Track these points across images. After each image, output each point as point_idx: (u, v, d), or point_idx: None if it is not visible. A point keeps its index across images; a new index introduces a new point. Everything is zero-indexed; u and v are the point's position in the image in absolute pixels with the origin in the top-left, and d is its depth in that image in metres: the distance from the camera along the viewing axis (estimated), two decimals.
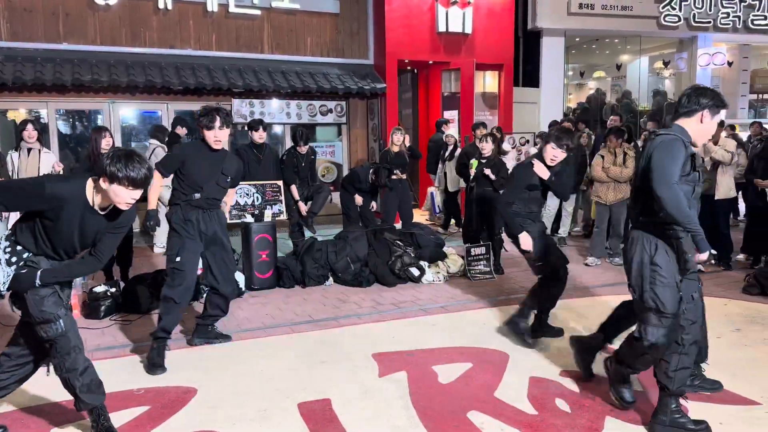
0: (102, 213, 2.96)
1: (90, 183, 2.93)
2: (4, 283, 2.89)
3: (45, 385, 3.86)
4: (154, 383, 3.88)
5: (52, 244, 2.97)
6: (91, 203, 2.92)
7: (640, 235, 3.18)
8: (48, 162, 6.41)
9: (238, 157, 6.95)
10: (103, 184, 2.84)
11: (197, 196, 4.24)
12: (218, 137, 4.22)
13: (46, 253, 3.00)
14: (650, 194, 2.98)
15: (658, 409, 3.24)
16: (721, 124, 6.99)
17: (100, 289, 5.40)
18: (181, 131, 8.33)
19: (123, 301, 5.42)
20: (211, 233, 4.31)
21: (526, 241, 4.41)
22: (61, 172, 6.50)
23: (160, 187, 4.40)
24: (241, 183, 6.42)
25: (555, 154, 4.32)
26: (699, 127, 3.12)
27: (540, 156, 4.44)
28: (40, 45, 9.17)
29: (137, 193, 2.89)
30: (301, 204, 7.12)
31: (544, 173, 4.35)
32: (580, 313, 5.31)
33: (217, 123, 4.18)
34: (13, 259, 2.92)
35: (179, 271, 4.17)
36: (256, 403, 3.59)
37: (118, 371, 4.08)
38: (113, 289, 5.45)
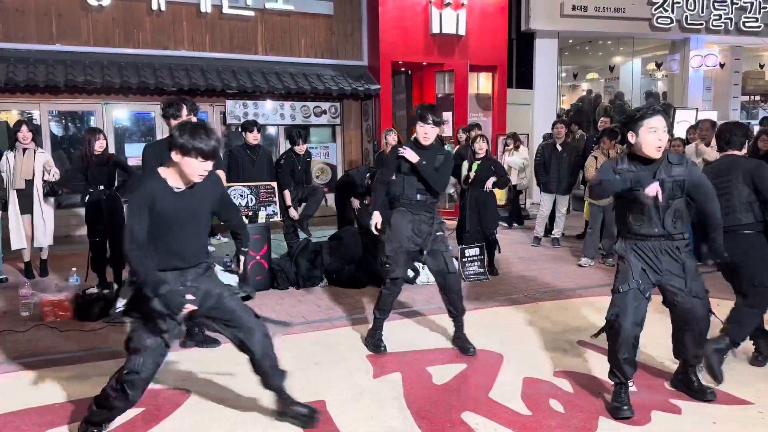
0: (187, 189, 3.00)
1: (162, 170, 2.99)
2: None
3: (37, 387, 3.85)
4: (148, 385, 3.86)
5: (175, 248, 2.99)
6: (174, 187, 2.96)
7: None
8: (41, 161, 6.41)
9: (231, 157, 6.99)
10: (175, 157, 2.89)
11: None
12: None
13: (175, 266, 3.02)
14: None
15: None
16: (713, 125, 7.07)
17: (93, 291, 5.38)
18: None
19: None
20: None
21: (374, 220, 4.49)
22: (54, 174, 6.49)
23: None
24: (234, 184, 6.43)
25: (425, 131, 4.30)
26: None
27: (415, 141, 4.42)
28: (33, 46, 9.13)
29: (209, 165, 2.94)
30: (291, 210, 7.13)
31: (412, 157, 4.31)
32: (573, 312, 5.33)
33: (184, 112, 4.03)
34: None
35: None
36: (250, 405, 3.58)
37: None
38: (106, 291, 5.43)
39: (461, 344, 4.45)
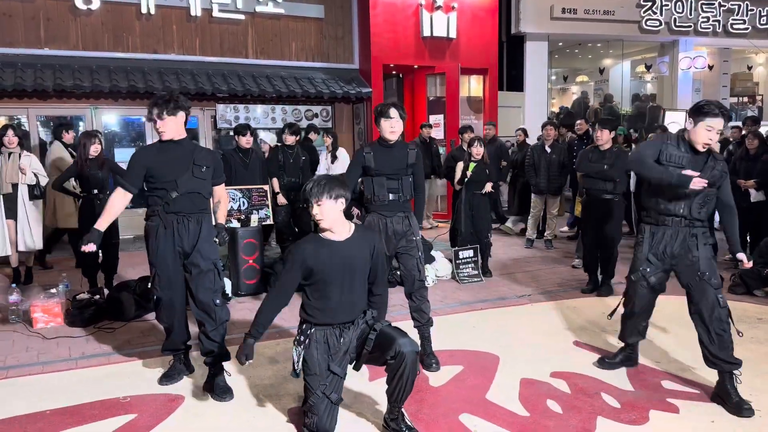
0: None
1: None
2: None
3: (26, 394, 3.79)
4: (140, 391, 3.81)
5: None
6: None
7: None
8: (26, 163, 6.34)
9: (223, 160, 6.94)
10: None
11: (175, 194, 3.69)
12: (161, 127, 3.73)
13: None
14: None
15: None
16: None
17: (84, 296, 5.32)
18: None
19: (107, 308, 5.33)
20: (189, 247, 3.74)
21: None
22: (42, 177, 6.42)
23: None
24: (227, 188, 6.38)
25: (390, 124, 4.11)
26: None
27: (380, 141, 4.28)
28: (21, 50, 9.02)
29: None
30: (280, 197, 7.15)
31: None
32: (568, 313, 5.32)
33: (155, 111, 3.73)
34: None
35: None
36: (244, 410, 3.54)
37: (103, 379, 4.01)
38: (97, 297, 5.37)
39: (424, 359, 4.12)
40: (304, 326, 3.16)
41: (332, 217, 3.06)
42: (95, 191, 5.88)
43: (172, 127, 3.76)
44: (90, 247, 3.65)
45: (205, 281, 3.72)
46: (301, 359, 3.10)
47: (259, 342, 4.64)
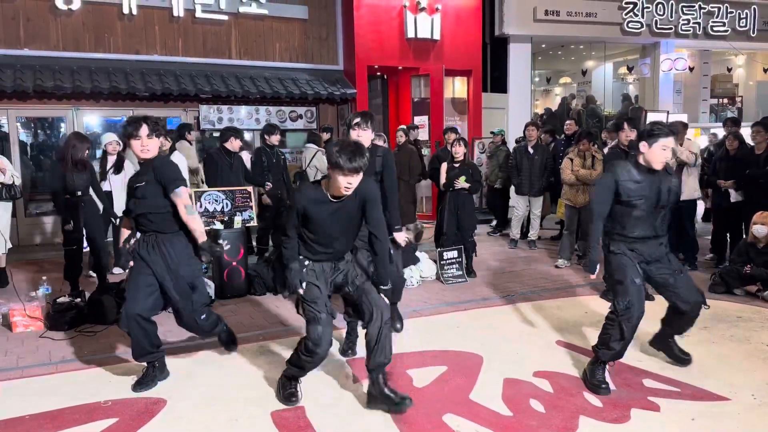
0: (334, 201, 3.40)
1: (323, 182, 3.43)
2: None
3: (7, 399, 3.73)
4: (122, 395, 3.77)
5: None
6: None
7: None
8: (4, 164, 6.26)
9: (210, 159, 6.93)
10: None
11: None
12: (145, 145, 3.70)
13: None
14: None
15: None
16: (684, 126, 7.18)
17: (65, 300, 5.25)
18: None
19: (88, 312, 5.26)
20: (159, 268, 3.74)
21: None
22: (15, 177, 6.34)
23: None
24: (210, 189, 6.35)
25: (357, 134, 4.22)
26: None
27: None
28: (0, 51, 8.92)
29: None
30: (265, 197, 7.17)
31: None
32: (551, 313, 5.35)
33: (144, 131, 3.66)
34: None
35: None
36: (227, 413, 3.52)
37: (84, 383, 3.97)
38: (78, 300, 5.30)
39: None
40: (306, 262, 3.56)
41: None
42: (79, 193, 5.84)
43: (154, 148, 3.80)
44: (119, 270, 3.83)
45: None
46: (302, 290, 3.52)
47: (242, 344, 4.65)
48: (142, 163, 3.80)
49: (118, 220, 5.74)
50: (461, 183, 6.66)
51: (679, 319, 4.04)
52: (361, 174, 3.31)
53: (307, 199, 3.42)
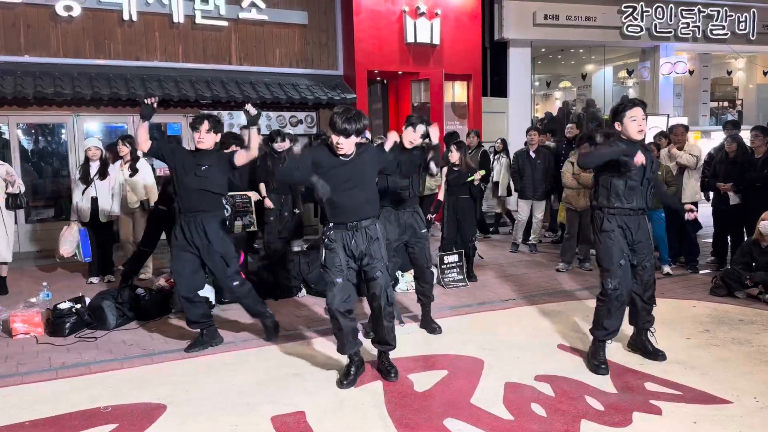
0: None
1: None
2: None
3: (6, 406, 3.73)
4: (122, 400, 3.76)
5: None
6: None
7: None
8: (2, 173, 6.26)
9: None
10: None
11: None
12: (202, 138, 4.56)
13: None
14: None
15: None
16: (686, 129, 7.18)
17: (65, 305, 5.24)
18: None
19: (89, 317, 5.25)
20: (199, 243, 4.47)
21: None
22: (19, 186, 6.33)
23: None
24: None
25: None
26: None
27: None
28: (0, 57, 8.94)
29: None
30: (267, 200, 7.16)
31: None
32: (552, 317, 5.34)
33: (204, 126, 4.56)
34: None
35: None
36: (227, 418, 3.51)
37: (84, 389, 3.96)
38: (78, 306, 5.29)
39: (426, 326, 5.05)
40: (326, 229, 3.90)
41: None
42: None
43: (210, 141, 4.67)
44: None
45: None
46: (323, 256, 3.87)
47: (243, 349, 4.65)
48: (198, 151, 4.60)
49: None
50: (478, 177, 6.65)
51: (636, 313, 4.32)
52: (352, 138, 3.66)
53: (319, 150, 3.87)
